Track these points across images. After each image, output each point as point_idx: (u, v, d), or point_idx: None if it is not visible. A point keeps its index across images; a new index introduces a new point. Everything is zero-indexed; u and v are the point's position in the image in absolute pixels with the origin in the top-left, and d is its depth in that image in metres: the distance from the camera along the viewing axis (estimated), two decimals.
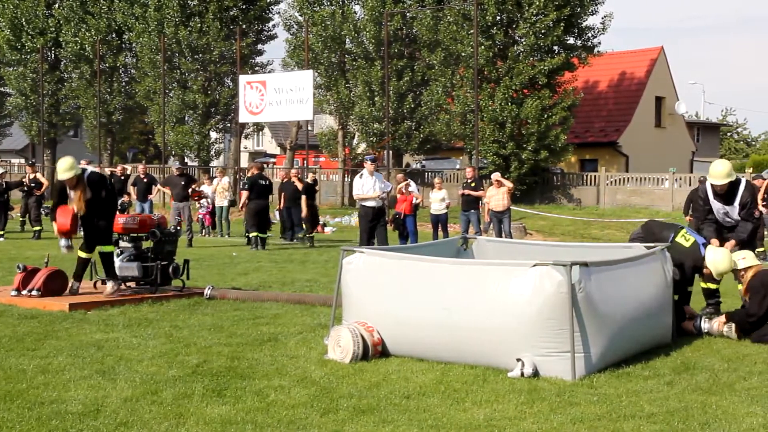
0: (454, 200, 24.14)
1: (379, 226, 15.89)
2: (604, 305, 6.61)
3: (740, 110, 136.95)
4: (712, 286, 9.02)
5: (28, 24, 41.81)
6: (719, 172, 9.25)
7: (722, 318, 8.14)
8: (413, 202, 20.29)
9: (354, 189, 16.77)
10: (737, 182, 9.37)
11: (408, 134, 36.21)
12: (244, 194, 19.88)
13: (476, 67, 30.20)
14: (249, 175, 20.89)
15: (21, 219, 23.99)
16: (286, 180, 22.61)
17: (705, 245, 8.58)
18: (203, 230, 24.15)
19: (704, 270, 8.55)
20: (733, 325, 8.00)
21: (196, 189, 21.27)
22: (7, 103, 45.66)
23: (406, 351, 7.00)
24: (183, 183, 20.02)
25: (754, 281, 8.16)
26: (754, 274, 8.23)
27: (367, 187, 15.94)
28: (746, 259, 8.40)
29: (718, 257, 8.39)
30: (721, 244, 8.98)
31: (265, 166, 23.40)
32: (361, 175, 16.26)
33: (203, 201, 23.79)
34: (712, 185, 9.35)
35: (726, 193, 9.34)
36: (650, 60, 43.69)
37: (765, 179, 19.27)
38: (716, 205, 9.51)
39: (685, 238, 8.56)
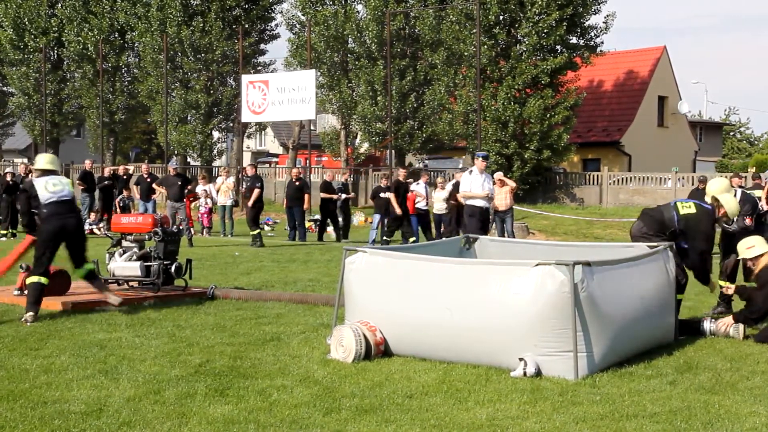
0: None
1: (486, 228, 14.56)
2: (607, 305, 6.60)
3: (743, 110, 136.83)
4: (731, 285, 8.91)
5: (30, 23, 41.84)
6: (714, 190, 9.28)
7: (729, 320, 8.05)
8: (416, 203, 20.41)
9: (462, 186, 15.50)
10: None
11: (410, 134, 36.22)
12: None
13: (479, 66, 30.18)
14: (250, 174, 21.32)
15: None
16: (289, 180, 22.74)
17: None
18: (203, 230, 24.16)
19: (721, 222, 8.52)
20: (740, 326, 7.95)
21: (192, 190, 21.40)
22: (10, 102, 45.70)
23: (408, 350, 7.00)
24: (179, 183, 20.15)
25: (765, 272, 7.97)
26: (767, 264, 8.01)
27: (476, 185, 14.63)
28: (755, 247, 8.21)
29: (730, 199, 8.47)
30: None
31: (255, 166, 23.92)
32: (471, 171, 15.08)
33: (201, 200, 23.83)
34: None
35: None
36: (653, 59, 43.66)
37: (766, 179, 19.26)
38: None
39: (687, 206, 8.46)
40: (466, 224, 15.14)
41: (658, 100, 43.70)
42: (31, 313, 8.68)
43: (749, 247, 8.26)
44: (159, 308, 9.49)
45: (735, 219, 9.07)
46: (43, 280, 9.02)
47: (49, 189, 9.15)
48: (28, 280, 9.08)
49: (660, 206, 8.96)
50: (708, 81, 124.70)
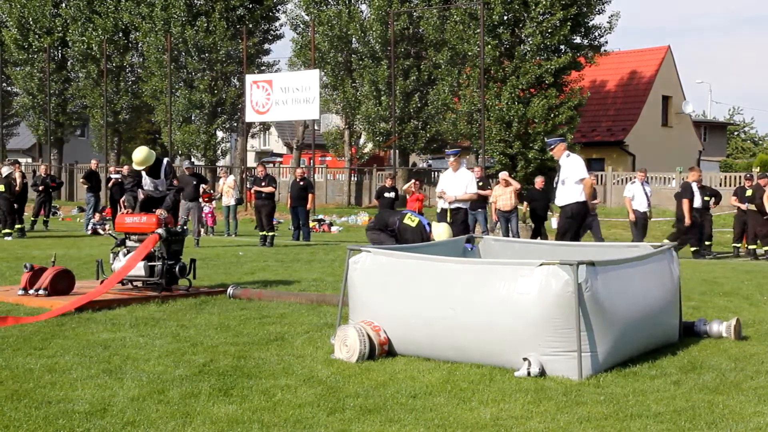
0: None
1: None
2: (611, 304, 6.59)
3: (747, 109, 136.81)
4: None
5: (35, 23, 41.93)
6: None
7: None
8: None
9: None
10: None
11: (414, 134, 36.23)
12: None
13: (483, 66, 30.16)
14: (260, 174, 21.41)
15: (32, 219, 24.15)
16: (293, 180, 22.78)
17: (429, 224, 11.02)
18: (206, 230, 24.20)
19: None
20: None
21: (207, 190, 21.41)
22: (15, 102, 45.80)
23: (412, 350, 7.00)
24: (194, 183, 20.11)
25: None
26: None
27: (441, 185, 13.38)
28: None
29: (439, 230, 10.94)
30: None
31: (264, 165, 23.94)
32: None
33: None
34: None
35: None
36: (657, 59, 43.61)
37: None
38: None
39: (411, 220, 10.84)
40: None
41: (662, 99, 43.65)
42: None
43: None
44: (163, 308, 9.50)
45: None
46: None
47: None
48: None
49: (392, 210, 11.30)
50: (712, 81, 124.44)
